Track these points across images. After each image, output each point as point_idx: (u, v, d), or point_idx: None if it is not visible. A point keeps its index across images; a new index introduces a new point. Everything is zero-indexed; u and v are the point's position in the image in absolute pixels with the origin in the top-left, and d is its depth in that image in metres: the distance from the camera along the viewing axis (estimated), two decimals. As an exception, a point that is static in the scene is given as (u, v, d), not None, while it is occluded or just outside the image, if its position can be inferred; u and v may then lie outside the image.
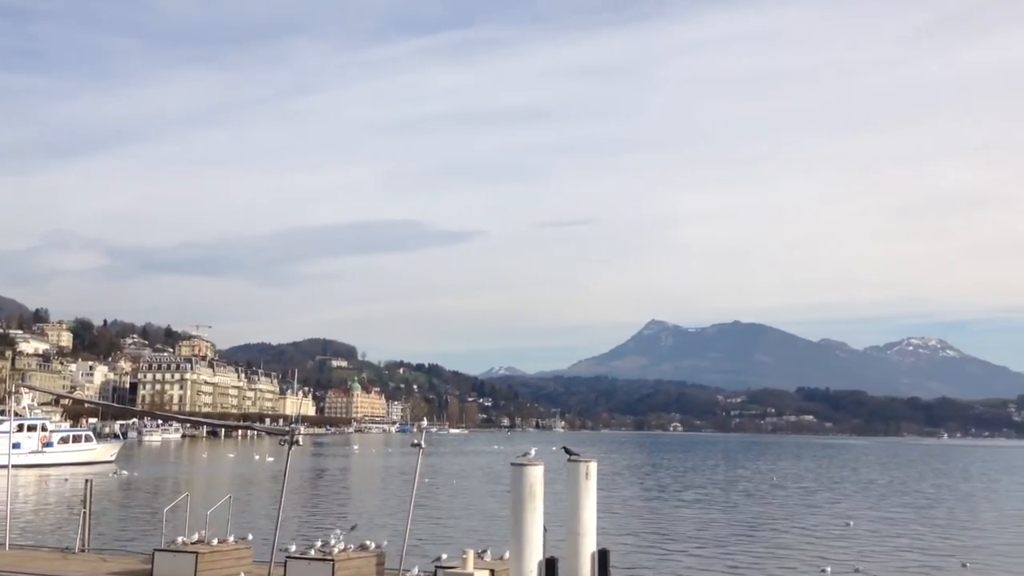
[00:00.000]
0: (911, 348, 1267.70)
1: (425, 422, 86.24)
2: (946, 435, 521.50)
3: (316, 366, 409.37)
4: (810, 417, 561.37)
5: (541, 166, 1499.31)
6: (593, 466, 18.52)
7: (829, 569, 26.62)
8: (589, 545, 17.89)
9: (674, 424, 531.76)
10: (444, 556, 18.77)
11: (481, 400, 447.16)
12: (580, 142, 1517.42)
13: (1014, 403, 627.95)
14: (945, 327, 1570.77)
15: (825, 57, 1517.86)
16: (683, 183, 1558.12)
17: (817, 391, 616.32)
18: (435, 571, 17.40)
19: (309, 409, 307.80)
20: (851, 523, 40.36)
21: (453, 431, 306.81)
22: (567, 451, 19.57)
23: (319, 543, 17.86)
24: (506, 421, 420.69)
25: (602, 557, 18.11)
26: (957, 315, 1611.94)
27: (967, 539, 35.79)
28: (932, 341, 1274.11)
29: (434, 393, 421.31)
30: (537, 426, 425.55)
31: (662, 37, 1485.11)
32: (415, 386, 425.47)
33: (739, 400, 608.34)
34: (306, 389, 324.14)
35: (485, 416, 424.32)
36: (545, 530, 17.13)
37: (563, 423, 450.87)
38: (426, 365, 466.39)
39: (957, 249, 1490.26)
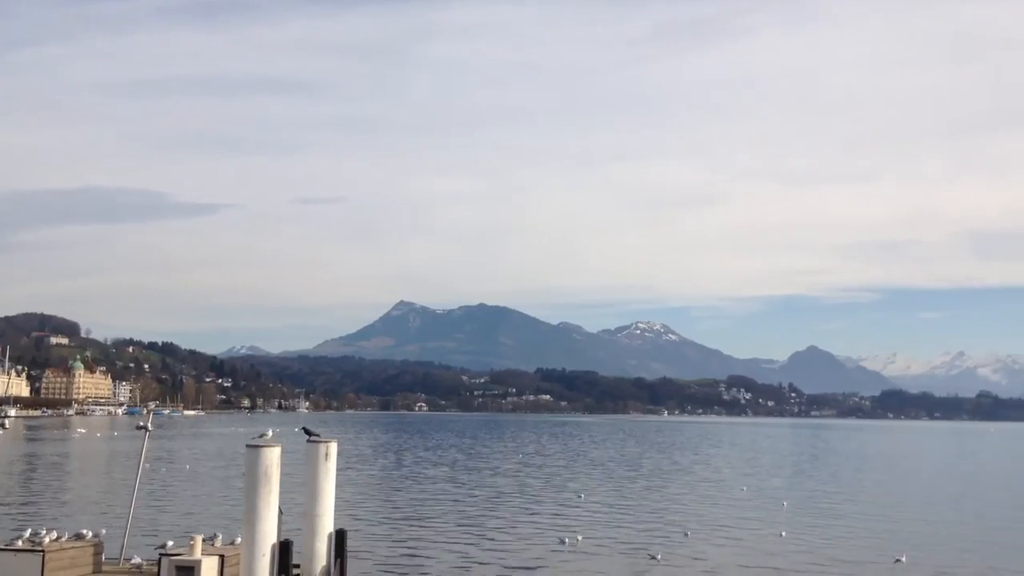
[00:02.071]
0: (639, 332, 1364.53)
1: (155, 404, 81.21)
2: (666, 412, 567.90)
3: (32, 343, 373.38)
4: (547, 396, 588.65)
5: (291, 141, 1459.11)
6: (333, 446, 18.21)
7: (566, 540, 28.02)
8: (326, 526, 17.60)
9: (419, 404, 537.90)
10: (170, 543, 17.86)
11: (220, 380, 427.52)
12: (332, 119, 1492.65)
13: (724, 383, 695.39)
14: (669, 313, 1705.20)
15: (566, 56, 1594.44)
16: (434, 167, 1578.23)
17: (554, 372, 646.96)
18: (159, 559, 16.52)
19: (23, 390, 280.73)
20: (583, 496, 42.78)
21: (188, 413, 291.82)
22: (307, 431, 19.11)
23: (28, 533, 16.47)
24: (247, 402, 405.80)
25: (339, 538, 17.90)
26: (679, 302, 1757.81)
27: (690, 510, 38.80)
28: (657, 326, 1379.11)
29: (168, 373, 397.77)
30: (280, 407, 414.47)
31: (419, 20, 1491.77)
32: (147, 366, 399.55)
33: (482, 380, 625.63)
34: (19, 368, 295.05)
35: (224, 397, 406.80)
36: (281, 513, 16.65)
37: (307, 404, 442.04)
38: (160, 344, 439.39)
39: (680, 242, 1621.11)
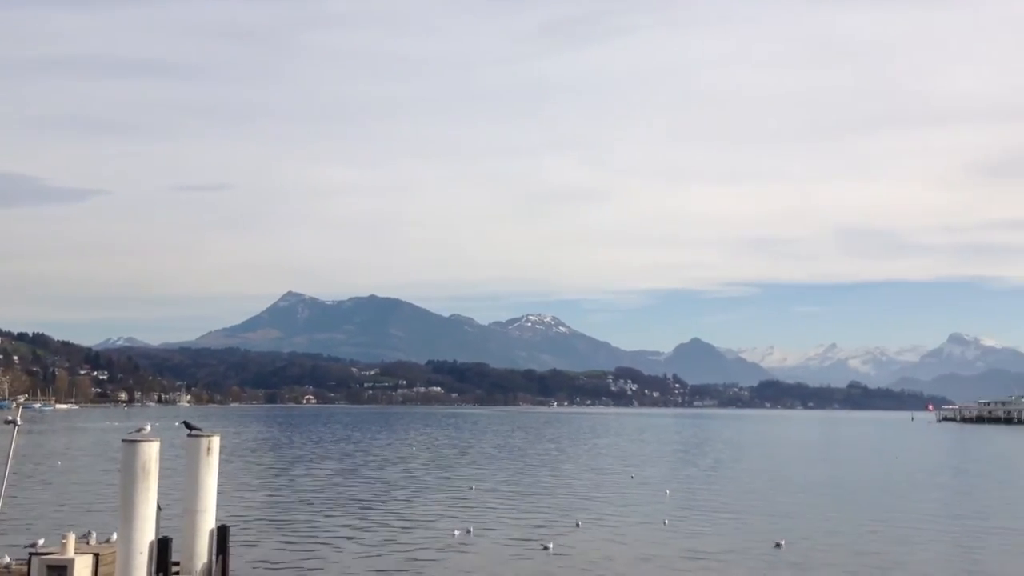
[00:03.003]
0: (529, 324, 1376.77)
1: (24, 397, 77.03)
2: (556, 404, 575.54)
3: None
4: (438, 389, 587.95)
5: (171, 126, 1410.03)
6: (215, 441, 17.63)
7: (458, 533, 27.87)
8: (208, 523, 17.06)
9: (308, 397, 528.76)
10: (40, 542, 17.11)
11: (95, 373, 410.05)
12: (214, 104, 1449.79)
13: (612, 375, 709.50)
14: (559, 306, 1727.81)
15: (450, 47, 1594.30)
16: (323, 156, 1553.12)
17: (445, 364, 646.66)
18: (29, 559, 15.80)
19: None
20: (474, 487, 42.78)
21: (61, 407, 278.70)
22: (187, 425, 18.54)
23: None
24: (124, 396, 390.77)
25: (221, 534, 17.36)
26: (569, 295, 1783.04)
27: (580, 500, 39.24)
28: (547, 318, 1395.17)
29: (39, 365, 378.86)
30: (160, 401, 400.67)
31: (306, 6, 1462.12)
32: (16, 357, 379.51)
33: (373, 373, 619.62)
34: None
35: (100, 391, 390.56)
36: (160, 509, 16.11)
37: (189, 397, 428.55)
38: (30, 334, 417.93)
39: (570, 235, 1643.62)
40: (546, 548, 25.61)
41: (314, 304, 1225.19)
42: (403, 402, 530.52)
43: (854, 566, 23.61)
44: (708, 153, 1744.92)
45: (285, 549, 25.58)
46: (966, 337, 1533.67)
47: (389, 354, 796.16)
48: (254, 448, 76.16)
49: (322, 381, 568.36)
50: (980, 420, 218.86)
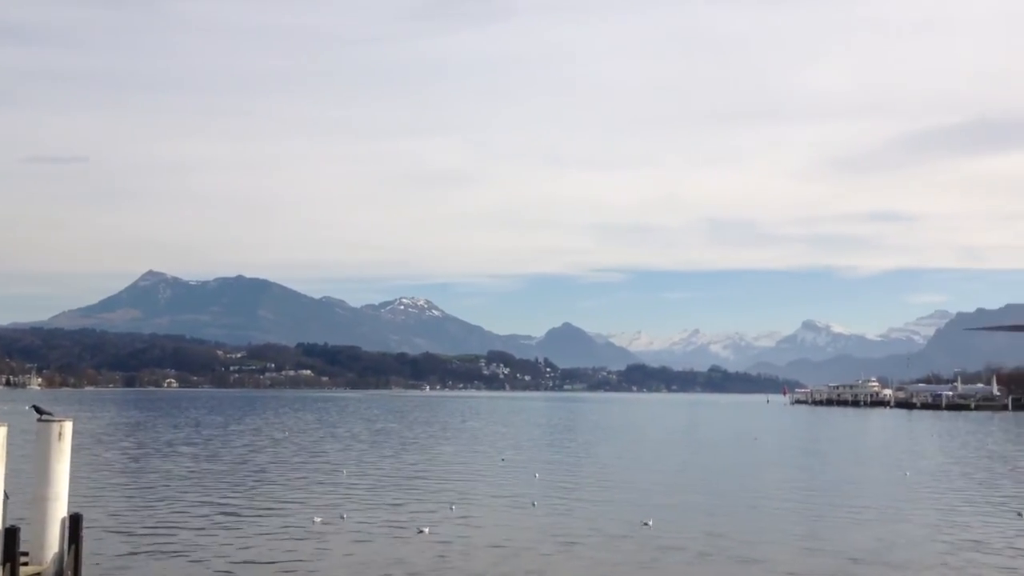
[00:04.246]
0: (402, 307, 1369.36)
1: None
2: (428, 387, 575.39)
3: None
4: (308, 372, 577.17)
5: (25, 94, 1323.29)
6: (68, 426, 16.64)
7: (318, 519, 27.27)
8: (59, 511, 16.11)
9: (169, 380, 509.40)
10: None
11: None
12: (77, 72, 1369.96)
13: (485, 359, 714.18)
14: (432, 289, 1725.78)
15: (326, 22, 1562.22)
16: (189, 130, 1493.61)
17: (316, 346, 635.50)
18: None
19: None
20: (345, 472, 42.11)
21: None
22: (37, 410, 17.62)
23: None
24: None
25: (74, 523, 16.43)
26: (442, 279, 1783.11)
27: (453, 483, 39.17)
28: (420, 301, 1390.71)
29: None
30: (8, 383, 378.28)
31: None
32: None
33: (239, 356, 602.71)
34: None
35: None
36: (6, 497, 15.19)
37: (40, 380, 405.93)
38: None
39: (444, 219, 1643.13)
40: (421, 532, 25.46)
41: (177, 284, 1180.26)
42: (271, 386, 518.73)
43: (715, 541, 24.46)
44: (583, 140, 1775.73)
45: (142, 537, 24.44)
46: (818, 324, 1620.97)
47: (257, 336, 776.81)
48: (110, 433, 72.60)
49: (185, 364, 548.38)
50: (829, 403, 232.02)
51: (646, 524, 27.03)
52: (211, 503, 31.35)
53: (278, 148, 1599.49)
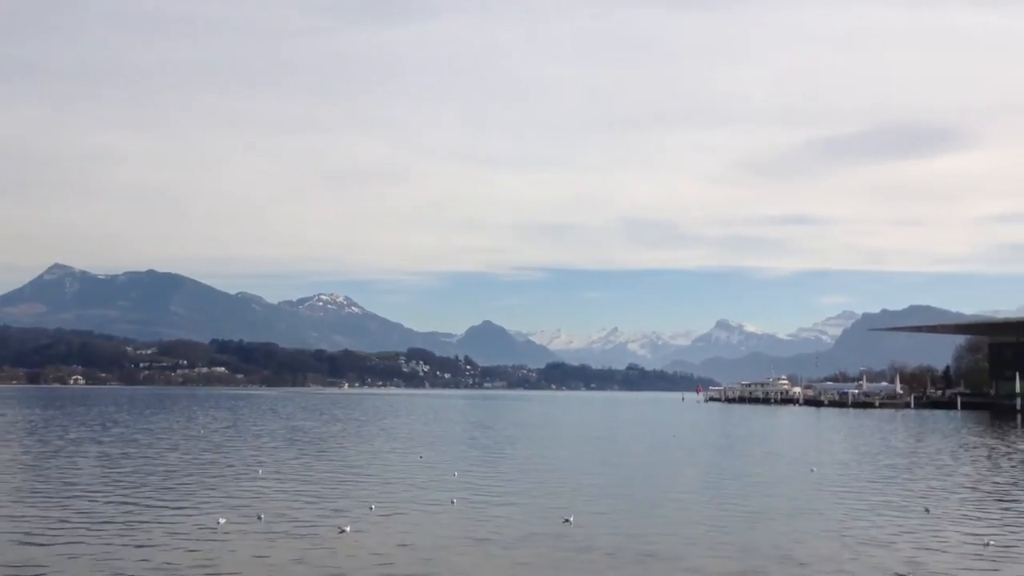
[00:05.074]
0: (321, 304, 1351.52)
1: None
2: (347, 385, 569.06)
3: None
4: (222, 369, 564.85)
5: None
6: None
7: (223, 520, 26.46)
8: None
9: (75, 377, 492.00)
10: None
11: None
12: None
13: (405, 356, 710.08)
14: (352, 285, 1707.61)
15: (246, 14, 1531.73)
16: (98, 120, 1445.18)
17: (231, 343, 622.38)
18: None
19: None
20: (261, 470, 41.16)
21: None
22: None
23: None
24: None
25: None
26: (362, 275, 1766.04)
27: (371, 482, 38.64)
28: (340, 298, 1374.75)
29: None
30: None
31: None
32: None
33: (150, 352, 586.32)
34: None
35: None
36: None
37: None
38: None
39: (364, 215, 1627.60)
40: (343, 531, 25.03)
41: (84, 278, 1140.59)
42: (184, 383, 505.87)
43: (632, 538, 24.67)
44: (504, 139, 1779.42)
45: (36, 539, 23.41)
46: (731, 323, 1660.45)
47: (168, 332, 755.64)
48: (10, 432, 69.49)
49: (92, 360, 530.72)
50: (741, 400, 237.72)
51: (567, 521, 27.09)
52: (115, 504, 30.19)
53: (193, 140, 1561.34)
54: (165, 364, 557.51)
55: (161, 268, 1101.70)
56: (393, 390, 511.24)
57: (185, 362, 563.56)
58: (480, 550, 23.19)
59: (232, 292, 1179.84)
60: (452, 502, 31.27)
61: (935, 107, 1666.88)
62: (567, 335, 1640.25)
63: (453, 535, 25.17)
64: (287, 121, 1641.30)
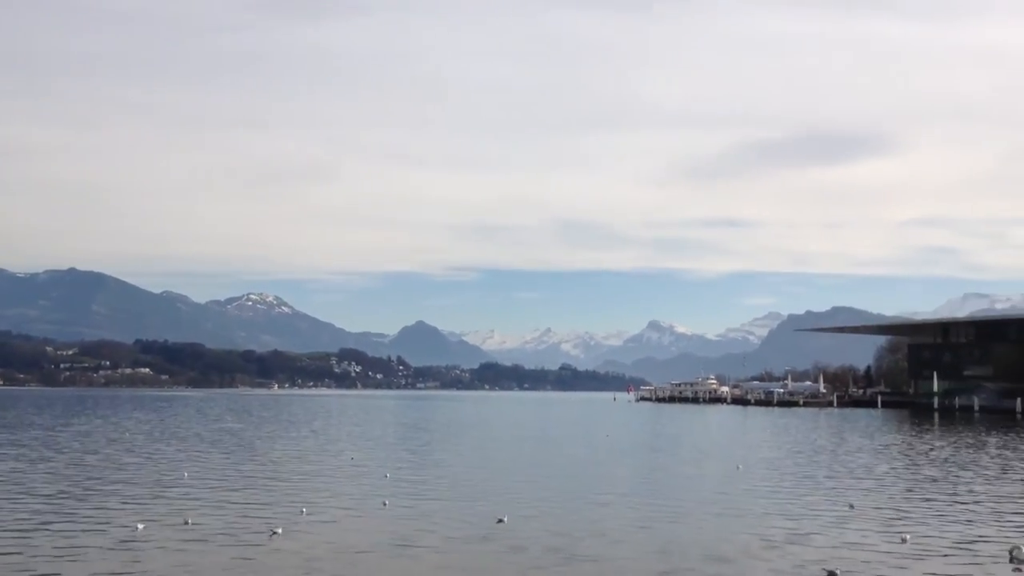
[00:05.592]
0: (250, 303, 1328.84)
1: None
2: (276, 386, 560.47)
3: None
4: (147, 370, 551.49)
5: None
6: None
7: (142, 526, 25.83)
8: None
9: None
10: None
11: None
12: None
13: (336, 356, 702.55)
14: (282, 285, 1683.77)
15: (169, 6, 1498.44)
16: (17, 114, 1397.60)
17: (155, 343, 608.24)
18: None
19: None
20: (187, 474, 40.26)
21: None
22: None
23: None
24: None
25: None
26: (293, 275, 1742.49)
27: (303, 484, 38.13)
28: (269, 297, 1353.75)
29: None
30: None
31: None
32: None
33: (71, 352, 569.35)
34: None
35: None
36: None
37: None
38: None
39: (295, 214, 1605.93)
40: (275, 534, 24.69)
41: (2, 276, 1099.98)
42: (106, 384, 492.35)
43: (564, 537, 24.86)
44: (437, 139, 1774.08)
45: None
46: (662, 324, 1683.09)
47: (90, 333, 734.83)
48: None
49: (10, 361, 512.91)
50: (672, 399, 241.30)
51: (500, 521, 27.15)
52: (29, 513, 29.12)
53: (116, 136, 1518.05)
54: (87, 365, 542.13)
55: (83, 266, 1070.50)
56: (324, 391, 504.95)
57: (108, 363, 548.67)
58: (412, 552, 23.09)
59: (157, 291, 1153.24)
60: (384, 504, 31.08)
61: (858, 114, 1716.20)
62: (500, 335, 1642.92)
63: (385, 537, 25.02)
64: (213, 117, 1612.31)
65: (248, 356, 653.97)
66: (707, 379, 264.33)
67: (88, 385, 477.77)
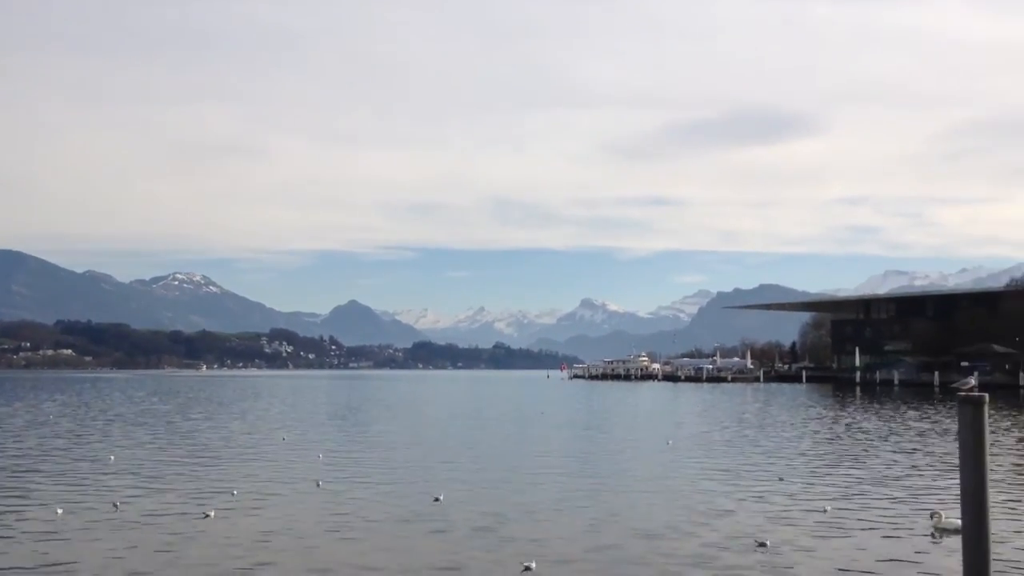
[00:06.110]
0: (176, 283, 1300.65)
1: None
2: (205, 367, 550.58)
3: None
4: (69, 351, 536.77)
5: None
6: None
7: (67, 513, 25.22)
8: None
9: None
10: None
11: None
12: None
13: (266, 336, 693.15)
14: (210, 264, 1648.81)
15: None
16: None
17: (78, 324, 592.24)
18: None
19: None
20: (113, 458, 39.36)
21: None
22: None
23: None
24: None
25: None
26: (221, 254, 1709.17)
27: (233, 467, 37.67)
28: (197, 277, 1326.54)
29: None
30: None
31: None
32: None
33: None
34: None
35: None
36: None
37: None
38: None
39: (223, 192, 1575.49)
40: (207, 516, 24.34)
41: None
42: (27, 366, 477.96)
43: (498, 514, 25.04)
44: (369, 116, 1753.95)
45: None
46: (595, 302, 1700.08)
47: (9, 313, 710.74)
48: None
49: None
50: (604, 377, 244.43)
51: (437, 500, 27.21)
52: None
53: (35, 112, 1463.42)
54: (6, 347, 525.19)
55: (1, 245, 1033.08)
56: (254, 372, 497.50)
57: (28, 344, 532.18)
58: (348, 532, 23.00)
59: (79, 271, 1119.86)
60: (318, 484, 30.87)
61: (786, 94, 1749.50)
62: (434, 314, 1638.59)
63: (319, 518, 24.87)
64: (138, 93, 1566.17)
65: (175, 337, 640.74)
66: (639, 356, 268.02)
67: (8, 367, 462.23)
